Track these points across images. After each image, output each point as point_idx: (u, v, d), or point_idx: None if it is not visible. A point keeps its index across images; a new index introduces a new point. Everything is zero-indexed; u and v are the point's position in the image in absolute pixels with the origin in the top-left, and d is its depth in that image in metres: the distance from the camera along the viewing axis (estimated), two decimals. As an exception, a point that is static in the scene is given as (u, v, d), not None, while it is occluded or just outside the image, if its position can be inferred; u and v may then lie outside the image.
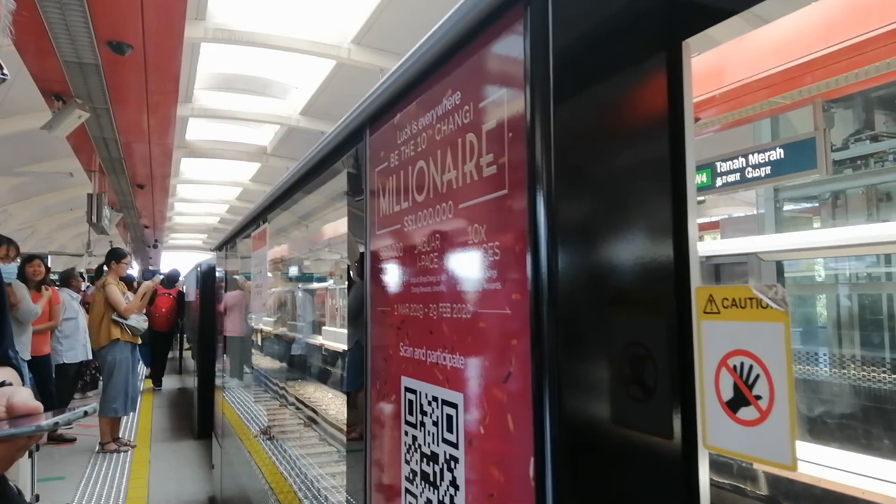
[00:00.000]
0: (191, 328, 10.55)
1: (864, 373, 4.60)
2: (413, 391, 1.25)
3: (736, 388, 0.82)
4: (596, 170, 0.93)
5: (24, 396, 1.00)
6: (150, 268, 25.55)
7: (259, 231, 3.50)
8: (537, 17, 0.88)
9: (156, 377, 12.34)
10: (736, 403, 0.82)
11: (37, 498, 3.03)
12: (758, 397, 0.80)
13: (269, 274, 4.03)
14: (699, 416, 0.88)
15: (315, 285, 8.99)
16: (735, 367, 0.83)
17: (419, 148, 1.28)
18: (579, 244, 0.91)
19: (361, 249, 1.64)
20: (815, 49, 5.07)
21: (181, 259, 37.54)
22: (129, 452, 7.32)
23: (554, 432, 0.84)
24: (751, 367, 0.81)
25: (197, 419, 8.11)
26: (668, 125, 0.97)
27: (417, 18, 9.01)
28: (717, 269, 6.15)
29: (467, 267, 1.07)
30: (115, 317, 7.11)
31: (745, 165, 6.60)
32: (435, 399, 1.15)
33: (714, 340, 0.86)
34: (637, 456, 0.91)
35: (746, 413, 0.81)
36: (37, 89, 7.10)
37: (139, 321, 7.40)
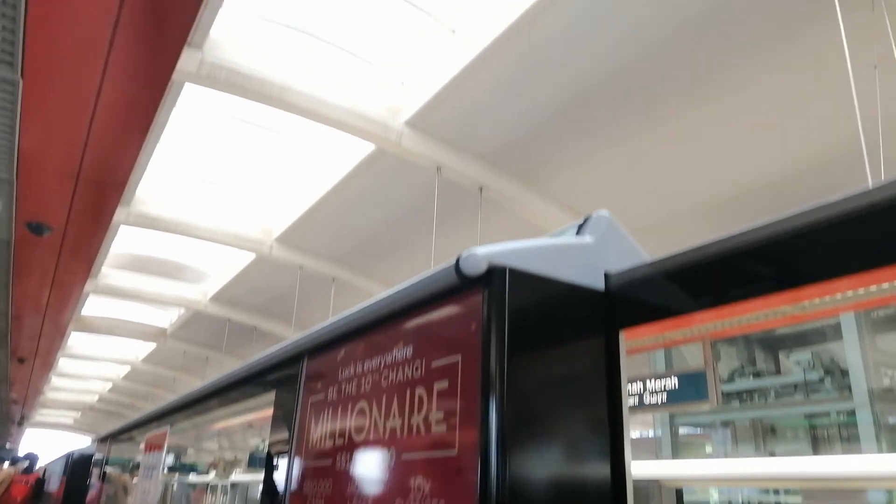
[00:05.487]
0: (51, 523, 9.28)
1: None
2: None
3: None
4: (543, 440, 1.00)
5: None
6: (9, 446, 22.65)
7: (159, 433, 3.29)
8: (495, 299, 1.00)
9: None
10: None
11: None
12: None
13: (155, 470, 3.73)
14: None
15: (193, 478, 8.23)
16: None
17: (362, 389, 1.32)
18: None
19: (282, 476, 1.59)
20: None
21: (44, 438, 33.75)
22: None
23: None
24: None
25: None
26: (607, 394, 1.07)
27: (340, 221, 9.43)
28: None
29: (408, 524, 1.07)
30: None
31: (642, 390, 6.90)
32: None
33: None
34: None
35: None
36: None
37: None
